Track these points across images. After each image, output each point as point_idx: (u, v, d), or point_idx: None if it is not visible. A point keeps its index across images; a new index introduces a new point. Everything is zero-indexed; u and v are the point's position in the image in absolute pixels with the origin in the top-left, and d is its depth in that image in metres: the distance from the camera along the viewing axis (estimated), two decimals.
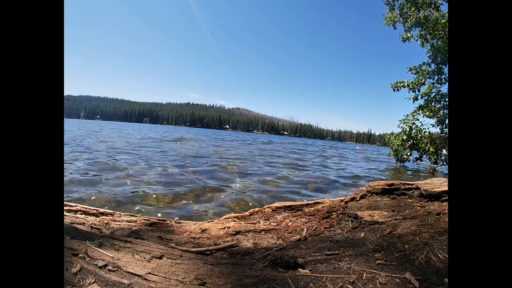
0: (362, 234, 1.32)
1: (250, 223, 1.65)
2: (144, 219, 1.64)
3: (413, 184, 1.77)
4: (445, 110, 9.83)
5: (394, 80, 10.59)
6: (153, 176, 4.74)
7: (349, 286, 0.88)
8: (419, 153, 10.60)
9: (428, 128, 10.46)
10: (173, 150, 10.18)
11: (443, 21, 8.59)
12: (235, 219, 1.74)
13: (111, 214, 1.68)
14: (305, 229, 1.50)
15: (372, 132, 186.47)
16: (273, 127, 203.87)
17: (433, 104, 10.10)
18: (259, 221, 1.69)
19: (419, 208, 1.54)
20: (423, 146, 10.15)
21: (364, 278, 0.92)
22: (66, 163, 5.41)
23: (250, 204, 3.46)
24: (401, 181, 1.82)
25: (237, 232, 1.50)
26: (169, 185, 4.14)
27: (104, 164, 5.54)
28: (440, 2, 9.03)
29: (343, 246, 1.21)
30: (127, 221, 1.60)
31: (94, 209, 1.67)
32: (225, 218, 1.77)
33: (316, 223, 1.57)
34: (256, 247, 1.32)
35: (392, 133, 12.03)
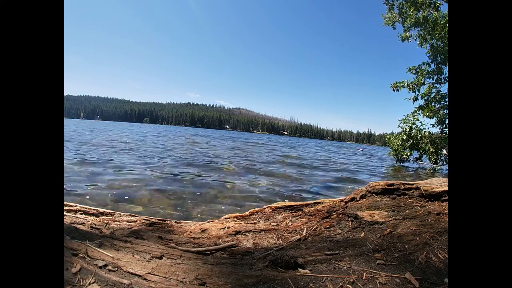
0: (362, 234, 1.32)
1: (250, 223, 1.65)
2: (144, 219, 1.64)
3: (413, 184, 1.77)
4: (445, 110, 9.84)
5: (394, 80, 10.62)
6: None
7: (349, 286, 0.88)
8: (419, 153, 10.61)
9: (428, 128, 10.48)
10: None
11: (442, 21, 8.59)
12: (235, 219, 1.74)
13: (111, 214, 1.68)
14: (305, 229, 1.50)
15: (372, 132, 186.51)
16: (273, 127, 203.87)
17: (433, 104, 10.11)
18: (259, 221, 1.69)
19: (419, 208, 1.54)
20: (423, 146, 10.16)
21: (364, 278, 0.92)
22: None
23: None
24: (401, 181, 1.82)
25: (237, 232, 1.49)
26: None
27: None
28: (439, 2, 9.04)
29: (343, 246, 1.21)
30: (127, 221, 1.59)
31: (94, 209, 1.67)
32: (225, 218, 1.77)
33: (316, 223, 1.57)
34: (256, 247, 1.32)
35: (392, 133, 12.04)
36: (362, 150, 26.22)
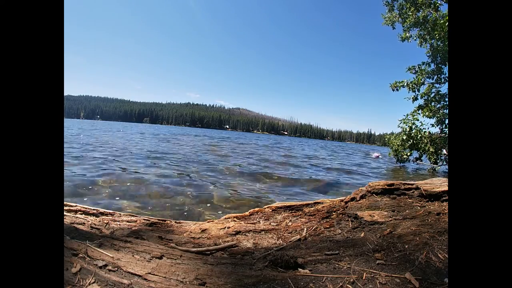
0: (362, 234, 1.32)
1: (250, 223, 1.65)
2: (144, 219, 1.64)
3: (413, 184, 1.77)
4: (445, 110, 9.84)
5: (394, 80, 10.62)
6: None
7: (349, 286, 0.88)
8: (419, 153, 10.60)
9: (428, 128, 10.48)
10: None
11: (442, 21, 8.59)
12: (235, 219, 1.74)
13: (111, 214, 1.68)
14: (305, 229, 1.50)
15: (372, 132, 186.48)
16: (273, 127, 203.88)
17: (432, 104, 10.11)
18: (259, 221, 1.69)
19: (419, 208, 1.54)
20: (423, 146, 10.15)
21: (364, 278, 0.92)
22: None
23: None
24: (401, 181, 1.82)
25: (237, 232, 1.49)
26: None
27: None
28: (439, 2, 9.04)
29: (343, 246, 1.21)
30: (127, 221, 1.59)
31: (94, 209, 1.67)
32: (225, 218, 1.77)
33: (316, 223, 1.57)
34: (256, 247, 1.32)
35: (392, 133, 12.03)
36: (378, 157, 17.06)
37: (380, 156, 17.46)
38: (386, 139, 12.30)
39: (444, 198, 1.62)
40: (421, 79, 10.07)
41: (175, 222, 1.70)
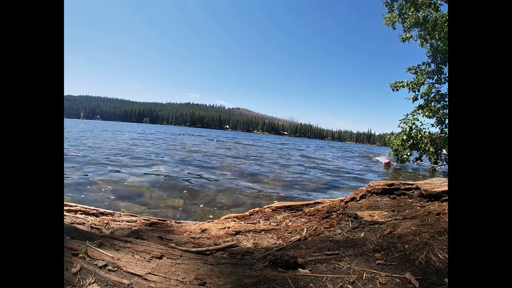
0: (362, 234, 1.32)
1: (250, 223, 1.65)
2: (144, 219, 1.64)
3: (413, 184, 1.77)
4: (445, 110, 9.84)
5: (394, 80, 10.62)
6: None
7: (349, 286, 0.88)
8: (419, 153, 10.59)
9: (428, 128, 10.48)
10: None
11: (442, 21, 8.59)
12: (235, 219, 1.74)
13: (111, 214, 1.68)
14: (305, 229, 1.50)
15: (372, 132, 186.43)
16: (273, 127, 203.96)
17: (432, 104, 10.12)
18: (259, 221, 1.69)
19: (419, 208, 1.54)
20: (423, 146, 10.15)
21: (364, 278, 0.92)
22: None
23: None
24: (401, 181, 1.82)
25: (237, 232, 1.49)
26: None
27: None
28: (439, 2, 9.04)
29: (343, 246, 1.21)
30: (127, 221, 1.59)
31: (94, 209, 1.67)
32: (225, 218, 1.77)
33: (316, 223, 1.57)
34: (256, 247, 1.32)
35: (392, 133, 12.02)
36: (388, 165, 10.61)
37: (392, 164, 10.96)
38: (386, 139, 12.28)
39: (444, 198, 1.62)
40: (421, 79, 10.08)
41: (175, 222, 1.70)
